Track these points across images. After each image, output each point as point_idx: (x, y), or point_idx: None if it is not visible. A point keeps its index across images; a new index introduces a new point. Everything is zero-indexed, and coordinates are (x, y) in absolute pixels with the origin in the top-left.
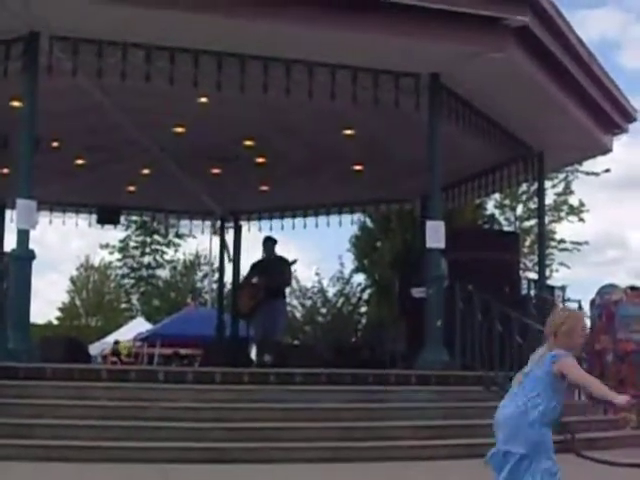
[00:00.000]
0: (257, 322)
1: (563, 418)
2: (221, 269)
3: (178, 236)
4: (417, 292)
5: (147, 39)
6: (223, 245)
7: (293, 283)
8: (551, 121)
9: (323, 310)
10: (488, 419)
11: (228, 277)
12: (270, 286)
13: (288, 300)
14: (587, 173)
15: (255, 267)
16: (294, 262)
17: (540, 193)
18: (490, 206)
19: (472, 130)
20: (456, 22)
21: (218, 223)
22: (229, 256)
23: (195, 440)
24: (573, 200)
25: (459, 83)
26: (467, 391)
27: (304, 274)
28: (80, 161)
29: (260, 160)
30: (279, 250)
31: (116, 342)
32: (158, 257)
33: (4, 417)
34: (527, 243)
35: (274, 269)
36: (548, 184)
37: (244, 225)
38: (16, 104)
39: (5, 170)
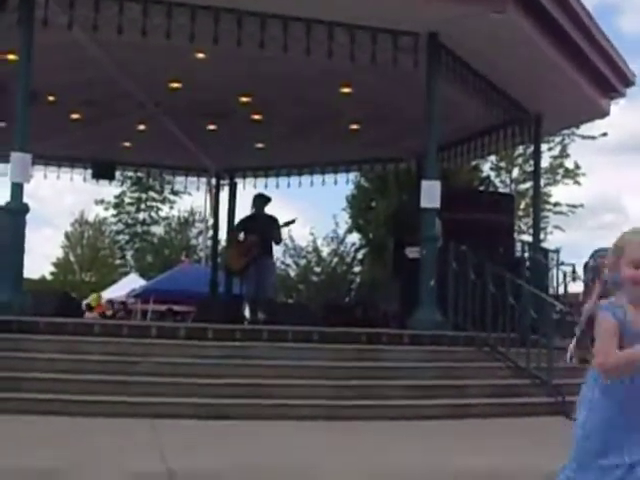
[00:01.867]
0: (249, 280)
1: (554, 380)
2: (215, 226)
3: (173, 193)
4: (411, 252)
5: None
6: (217, 203)
7: (287, 241)
8: (549, 84)
9: (317, 269)
10: (479, 379)
11: (222, 235)
12: (262, 244)
13: (282, 259)
14: (584, 137)
15: (244, 223)
16: (293, 221)
17: (536, 156)
18: (486, 168)
19: (470, 91)
20: None
21: (213, 180)
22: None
23: (186, 395)
24: (569, 163)
25: (458, 43)
26: (459, 351)
27: (299, 233)
28: (75, 115)
29: (256, 117)
30: (274, 208)
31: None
32: (153, 213)
33: None
34: (522, 206)
35: (265, 227)
36: (544, 147)
37: (239, 183)
38: (12, 57)
39: (1, 124)
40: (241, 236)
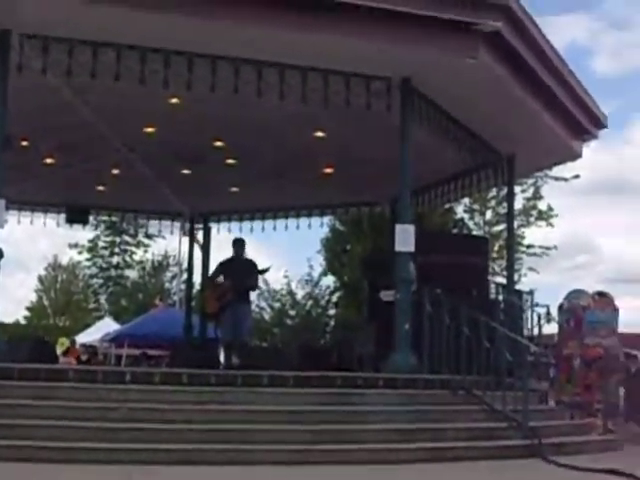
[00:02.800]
0: (224, 324)
1: (530, 423)
2: (190, 270)
3: (147, 236)
4: (385, 295)
5: (117, 39)
6: (192, 247)
7: (262, 285)
8: (522, 127)
9: (292, 312)
10: (455, 422)
11: (197, 278)
12: (238, 288)
13: (257, 302)
14: (556, 178)
15: (222, 266)
16: (267, 269)
17: (509, 198)
18: (460, 210)
19: (443, 134)
20: (428, 26)
21: (187, 224)
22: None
23: (162, 442)
24: (542, 205)
25: (430, 87)
26: (434, 395)
27: (273, 276)
28: (49, 160)
29: (230, 161)
30: (249, 251)
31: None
32: (127, 257)
33: None
34: (496, 248)
35: (243, 271)
36: (517, 189)
37: (213, 226)
38: None
39: None
40: (220, 279)
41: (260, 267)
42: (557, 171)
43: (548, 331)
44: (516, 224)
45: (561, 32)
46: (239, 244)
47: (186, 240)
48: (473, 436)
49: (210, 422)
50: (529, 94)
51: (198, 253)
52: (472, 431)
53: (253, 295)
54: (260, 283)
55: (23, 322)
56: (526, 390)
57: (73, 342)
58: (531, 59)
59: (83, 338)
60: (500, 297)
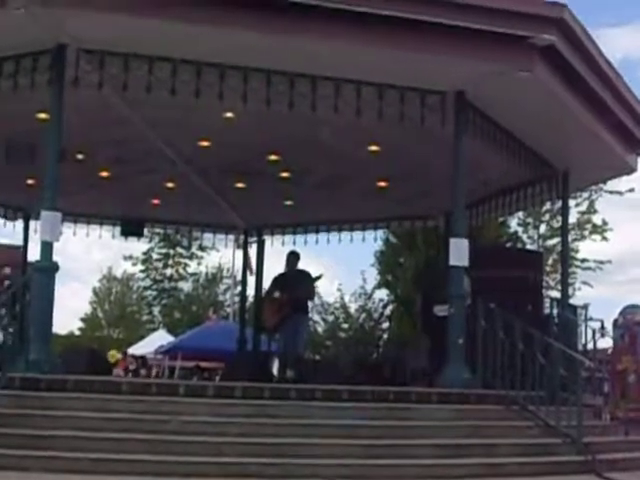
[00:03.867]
0: (280, 337)
1: (584, 438)
2: (244, 282)
3: (201, 249)
4: (439, 310)
5: (172, 53)
6: (246, 259)
7: (316, 298)
8: (576, 140)
9: (345, 325)
10: (509, 438)
11: (250, 291)
12: (294, 301)
13: (311, 315)
14: (611, 192)
15: (277, 281)
16: (320, 277)
17: (564, 212)
18: (513, 224)
19: (497, 148)
20: (482, 40)
21: (242, 237)
22: (251, 271)
23: (214, 455)
24: (597, 219)
25: (485, 101)
26: (488, 410)
27: (326, 289)
28: (105, 173)
29: (284, 175)
30: (302, 264)
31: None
32: (181, 269)
33: (25, 428)
34: (550, 262)
35: (298, 284)
36: (572, 202)
37: (267, 239)
38: (43, 116)
39: (30, 181)
40: (276, 294)
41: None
42: (612, 185)
43: (602, 346)
44: (570, 238)
45: (615, 44)
46: (292, 257)
47: (240, 253)
48: (527, 452)
49: (263, 436)
50: (584, 108)
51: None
52: (526, 447)
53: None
54: (315, 294)
55: (77, 333)
56: (580, 405)
57: (125, 354)
58: (585, 72)
59: (137, 350)
60: (554, 311)
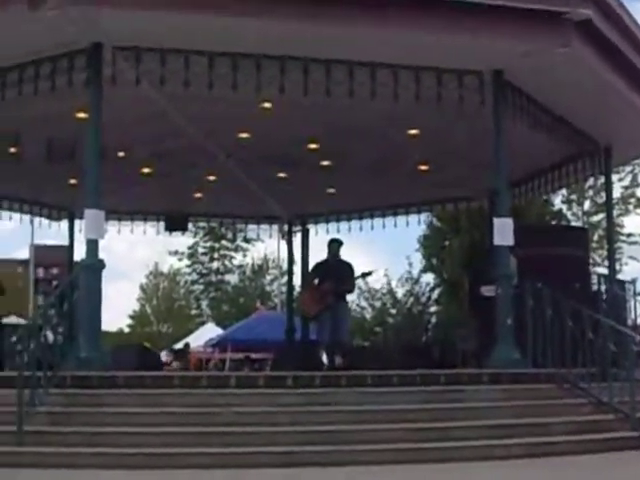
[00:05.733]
0: (324, 325)
1: (638, 414)
2: (290, 272)
3: (246, 241)
4: (486, 290)
5: (208, 46)
6: (291, 250)
7: (362, 285)
8: (617, 114)
9: (393, 311)
10: (561, 416)
11: (297, 280)
12: (337, 291)
13: (358, 302)
14: None
15: (318, 268)
16: (370, 273)
17: (608, 188)
18: (557, 201)
19: (538, 126)
20: (518, 18)
21: (285, 227)
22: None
23: (267, 444)
24: None
25: (523, 79)
26: (539, 389)
27: (373, 276)
28: (146, 169)
29: (325, 163)
30: (346, 252)
31: (187, 345)
32: (226, 262)
33: (77, 425)
34: (595, 238)
35: (340, 274)
36: (615, 177)
37: (311, 228)
38: (81, 115)
39: (73, 181)
40: (316, 281)
41: (362, 272)
42: None
43: None
44: (615, 213)
45: None
46: (335, 244)
47: (285, 243)
48: (580, 429)
49: (316, 423)
50: (623, 81)
51: (298, 255)
52: (579, 424)
53: (354, 295)
54: (360, 283)
55: (127, 330)
56: (632, 381)
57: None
58: (623, 45)
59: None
60: (602, 288)
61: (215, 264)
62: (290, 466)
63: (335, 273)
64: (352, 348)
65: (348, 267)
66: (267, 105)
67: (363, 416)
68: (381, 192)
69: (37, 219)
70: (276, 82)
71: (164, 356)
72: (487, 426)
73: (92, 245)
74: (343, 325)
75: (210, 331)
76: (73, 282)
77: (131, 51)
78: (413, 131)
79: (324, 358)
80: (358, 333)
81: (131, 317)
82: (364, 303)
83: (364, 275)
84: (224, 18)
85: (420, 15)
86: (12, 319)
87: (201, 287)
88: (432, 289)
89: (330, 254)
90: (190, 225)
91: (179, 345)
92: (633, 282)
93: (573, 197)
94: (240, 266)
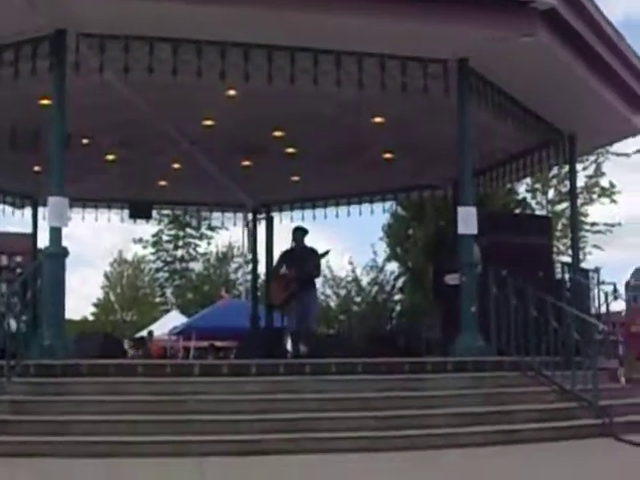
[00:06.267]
0: (290, 313)
1: (600, 402)
2: (254, 260)
3: (210, 229)
4: (451, 279)
5: (172, 33)
6: (255, 237)
7: (327, 272)
8: (581, 104)
9: (357, 299)
10: (525, 404)
11: (262, 269)
12: (302, 277)
13: (322, 290)
14: (618, 154)
15: (284, 257)
16: (327, 253)
17: (572, 176)
18: (521, 190)
19: (502, 115)
20: (483, 6)
21: (250, 215)
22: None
23: (232, 433)
24: (604, 182)
25: (487, 68)
26: (503, 377)
27: (338, 263)
28: (111, 157)
29: (290, 150)
30: (311, 241)
31: (150, 333)
32: (191, 250)
33: (41, 414)
34: (559, 226)
35: (305, 260)
36: (579, 166)
37: (276, 216)
38: (45, 102)
39: (37, 168)
40: (283, 269)
41: (320, 252)
42: (618, 147)
43: (615, 309)
44: (579, 202)
45: (616, 6)
46: (299, 232)
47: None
48: (543, 417)
49: (280, 411)
50: (587, 70)
51: (262, 243)
52: (542, 412)
53: (318, 283)
54: (324, 270)
55: (91, 318)
56: (595, 369)
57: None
58: (587, 35)
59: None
60: (566, 276)
61: (180, 252)
62: (254, 454)
63: (300, 260)
64: (317, 336)
65: (312, 252)
66: (232, 92)
67: (327, 404)
68: (346, 180)
69: (0, 206)
70: (240, 69)
71: (126, 345)
72: (451, 414)
73: (55, 233)
74: (310, 312)
75: (174, 319)
76: (36, 270)
77: (95, 38)
78: (378, 119)
79: (288, 346)
80: (323, 321)
81: (95, 305)
82: (329, 291)
83: (321, 255)
84: (188, 5)
85: (385, 3)
86: None
87: (166, 275)
88: (397, 277)
89: (295, 242)
90: (154, 213)
91: (142, 333)
92: (596, 271)
93: (537, 186)
94: (204, 254)
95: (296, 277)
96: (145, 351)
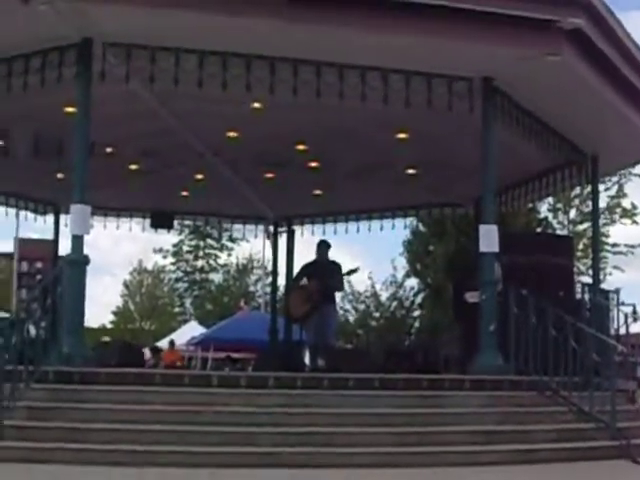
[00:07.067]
0: (310, 326)
1: (618, 424)
2: (274, 273)
3: (231, 240)
4: (471, 296)
5: (199, 45)
6: (276, 250)
7: (347, 287)
8: (605, 124)
9: (376, 314)
10: (542, 424)
11: (281, 281)
12: (325, 290)
13: (342, 304)
14: None
15: (306, 269)
16: (356, 270)
17: (594, 197)
18: (543, 209)
19: (526, 134)
20: (509, 25)
21: (271, 227)
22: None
23: (248, 444)
24: (626, 203)
25: (513, 86)
26: (521, 396)
27: (357, 278)
28: (134, 166)
29: (313, 164)
30: (332, 254)
31: (171, 342)
32: (211, 261)
33: (59, 421)
34: (580, 246)
35: (329, 274)
36: (601, 187)
37: (297, 229)
38: (70, 110)
39: (60, 175)
40: (304, 282)
41: (348, 269)
42: None
43: (635, 330)
44: (600, 222)
45: None
46: (323, 246)
47: (270, 243)
48: (560, 437)
49: (296, 425)
50: (612, 91)
51: (282, 256)
52: (559, 432)
53: (337, 297)
54: (345, 285)
55: (109, 326)
56: (613, 390)
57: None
58: (613, 55)
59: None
60: (586, 297)
61: (200, 262)
62: (270, 467)
63: (322, 273)
64: (335, 350)
65: (335, 266)
66: (257, 105)
67: (344, 419)
68: (368, 195)
69: (22, 212)
70: (266, 82)
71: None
72: (468, 432)
73: (77, 240)
74: (330, 326)
75: (193, 329)
76: (57, 277)
77: (121, 48)
78: (402, 135)
79: (306, 359)
80: (341, 335)
81: (114, 313)
82: (348, 306)
83: (350, 272)
84: (214, 17)
85: (410, 20)
86: None
87: (185, 285)
88: (416, 294)
89: (319, 255)
90: (176, 223)
91: (161, 343)
92: (617, 292)
93: (559, 205)
94: (224, 265)
95: (319, 290)
96: (157, 360)
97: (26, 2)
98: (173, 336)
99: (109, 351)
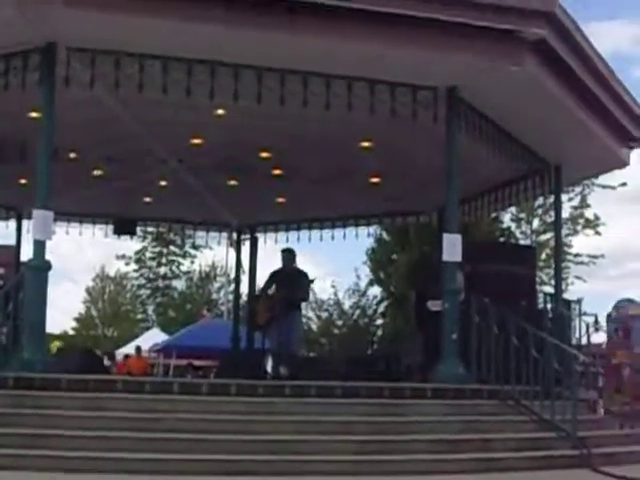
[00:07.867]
0: (273, 334)
1: (579, 433)
2: (237, 280)
3: (194, 247)
4: (433, 305)
5: (164, 51)
6: (239, 257)
7: (310, 296)
8: (568, 134)
9: (339, 322)
10: (503, 433)
11: (244, 288)
12: (289, 299)
13: (304, 312)
14: (604, 186)
15: (273, 277)
16: (312, 281)
17: (557, 207)
18: (506, 219)
19: (489, 143)
20: (472, 35)
21: (234, 235)
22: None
23: (209, 452)
24: (589, 213)
25: (476, 96)
26: (483, 405)
27: (320, 286)
28: (97, 172)
29: (276, 172)
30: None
31: (138, 349)
32: (174, 268)
33: (19, 427)
34: (543, 256)
35: (294, 282)
36: (564, 197)
37: (260, 237)
38: (34, 115)
39: (22, 180)
40: (272, 290)
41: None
42: (604, 179)
43: (597, 340)
44: (563, 232)
45: (605, 38)
46: (289, 254)
47: (233, 251)
48: (522, 446)
49: (258, 433)
50: (575, 101)
51: (246, 263)
52: (521, 441)
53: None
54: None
55: (71, 333)
56: (575, 400)
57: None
58: (577, 66)
59: (131, 349)
60: (548, 306)
61: (162, 269)
62: (231, 474)
63: (288, 281)
64: (298, 358)
65: (302, 275)
66: (220, 112)
67: (306, 427)
68: (331, 203)
69: None
70: (230, 89)
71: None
72: (430, 440)
73: (39, 246)
74: (294, 334)
75: (155, 336)
76: (19, 283)
77: (86, 53)
78: (366, 143)
79: (269, 367)
80: (304, 343)
81: (76, 320)
82: (311, 313)
83: (310, 281)
84: (179, 23)
85: (375, 29)
86: None
87: (148, 292)
88: (379, 302)
89: (284, 263)
90: (139, 229)
91: (125, 350)
92: (579, 302)
93: (522, 215)
94: (187, 272)
95: (284, 298)
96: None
97: None
98: (136, 342)
99: (70, 357)
